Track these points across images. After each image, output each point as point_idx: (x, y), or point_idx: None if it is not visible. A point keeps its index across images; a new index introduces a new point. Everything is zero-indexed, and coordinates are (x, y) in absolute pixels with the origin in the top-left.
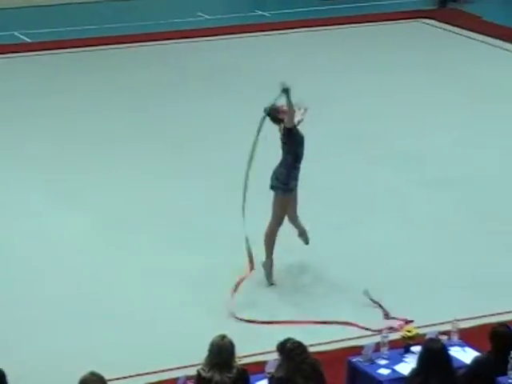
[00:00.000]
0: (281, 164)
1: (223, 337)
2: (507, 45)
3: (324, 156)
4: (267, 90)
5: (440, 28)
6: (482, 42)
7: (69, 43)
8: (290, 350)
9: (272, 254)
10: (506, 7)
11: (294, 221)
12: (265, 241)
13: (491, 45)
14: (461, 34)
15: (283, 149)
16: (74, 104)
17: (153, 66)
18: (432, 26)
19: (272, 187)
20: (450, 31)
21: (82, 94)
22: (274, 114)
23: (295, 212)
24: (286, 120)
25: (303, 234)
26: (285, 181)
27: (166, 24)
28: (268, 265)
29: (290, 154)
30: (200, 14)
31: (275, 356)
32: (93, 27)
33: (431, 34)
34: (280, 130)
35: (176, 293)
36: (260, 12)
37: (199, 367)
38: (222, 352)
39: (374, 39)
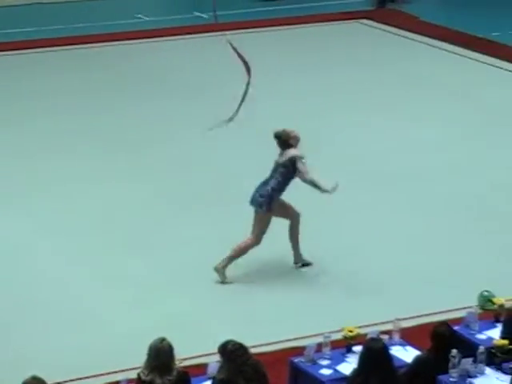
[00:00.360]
0: (268, 182)
1: (162, 340)
2: (444, 44)
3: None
4: (207, 91)
5: (378, 28)
6: (420, 42)
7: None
8: (231, 352)
9: (231, 263)
10: (443, 7)
11: (294, 249)
12: (234, 250)
13: (429, 44)
14: (399, 35)
15: (276, 170)
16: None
17: (93, 68)
18: (370, 26)
19: (255, 204)
20: (388, 31)
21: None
22: (285, 137)
23: (296, 238)
24: (301, 170)
25: (299, 262)
26: (268, 199)
27: (104, 26)
28: (222, 269)
29: (281, 176)
30: (139, 15)
31: (217, 358)
32: (32, 29)
33: (369, 34)
34: (282, 154)
35: (119, 295)
36: (198, 13)
37: (139, 370)
38: (160, 355)
39: (312, 40)
